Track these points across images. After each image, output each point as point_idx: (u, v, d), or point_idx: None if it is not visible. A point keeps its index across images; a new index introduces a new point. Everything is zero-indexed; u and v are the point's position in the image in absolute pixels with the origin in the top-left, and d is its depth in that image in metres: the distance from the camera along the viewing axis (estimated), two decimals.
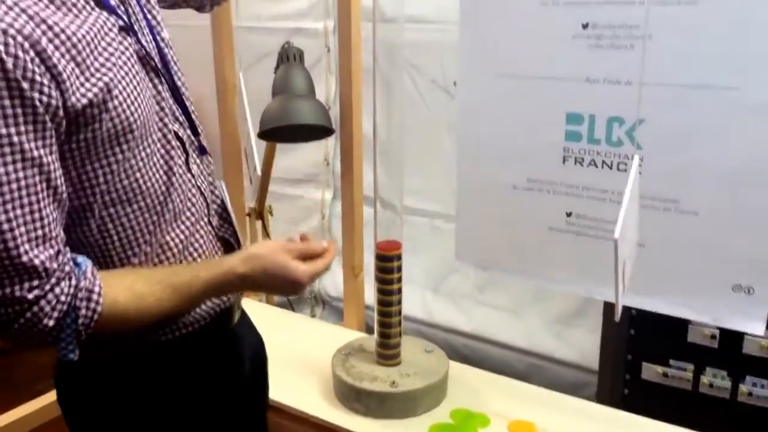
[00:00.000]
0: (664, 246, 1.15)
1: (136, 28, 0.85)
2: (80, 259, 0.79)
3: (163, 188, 0.87)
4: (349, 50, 1.52)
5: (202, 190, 0.97)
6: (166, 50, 0.92)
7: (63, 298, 0.74)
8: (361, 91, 1.57)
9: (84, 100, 0.73)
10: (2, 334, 0.74)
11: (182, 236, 0.92)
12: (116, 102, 0.77)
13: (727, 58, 1.02)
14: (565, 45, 1.14)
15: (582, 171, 1.19)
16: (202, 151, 0.98)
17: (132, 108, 0.79)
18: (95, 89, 0.74)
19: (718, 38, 1.02)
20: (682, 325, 1.51)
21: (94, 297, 0.76)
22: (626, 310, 1.49)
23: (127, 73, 0.79)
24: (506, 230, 1.31)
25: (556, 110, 1.19)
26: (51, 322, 0.74)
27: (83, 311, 0.76)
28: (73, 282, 0.75)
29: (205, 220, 0.97)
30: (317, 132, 1.54)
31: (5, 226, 0.69)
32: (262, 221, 1.81)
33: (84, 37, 0.74)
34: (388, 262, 1.34)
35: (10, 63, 0.66)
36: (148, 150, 0.84)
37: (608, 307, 1.62)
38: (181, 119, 0.92)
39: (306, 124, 1.47)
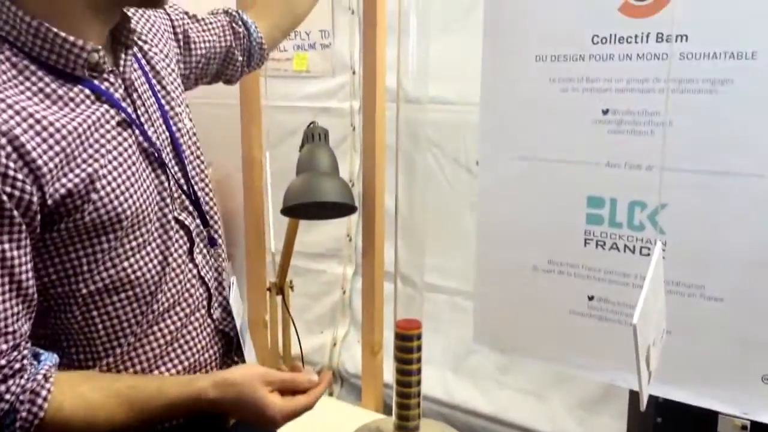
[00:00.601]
0: (689, 333, 1.12)
1: (143, 119, 0.85)
2: (44, 356, 0.76)
3: (156, 278, 0.85)
4: (373, 129, 1.56)
5: (206, 280, 0.94)
6: (180, 140, 0.92)
7: (7, 396, 0.72)
8: (384, 169, 1.59)
9: (63, 191, 0.73)
10: None
11: (172, 327, 0.89)
12: (102, 193, 0.77)
13: (748, 145, 1.02)
14: (585, 129, 1.16)
15: (604, 254, 1.18)
16: (211, 242, 0.96)
17: (120, 199, 0.79)
18: (77, 180, 0.74)
19: (738, 125, 1.03)
20: (711, 414, 1.45)
21: (39, 401, 0.73)
22: (653, 396, 1.44)
23: (120, 164, 0.79)
24: (526, 312, 1.29)
25: (576, 193, 1.19)
26: None
27: (23, 414, 0.73)
28: (22, 381, 0.73)
29: (203, 311, 0.94)
30: (340, 209, 1.55)
31: None
32: (283, 296, 1.81)
33: (75, 129, 0.75)
34: (407, 342, 1.32)
35: None
36: (141, 240, 0.83)
37: (634, 394, 1.56)
38: (190, 209, 0.92)
39: (329, 202, 1.49)
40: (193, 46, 1.07)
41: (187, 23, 1.07)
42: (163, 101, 0.92)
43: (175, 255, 0.88)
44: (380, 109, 1.55)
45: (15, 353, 0.73)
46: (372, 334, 1.64)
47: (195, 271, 0.92)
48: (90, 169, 0.76)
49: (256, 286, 1.89)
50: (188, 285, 0.91)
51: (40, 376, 0.74)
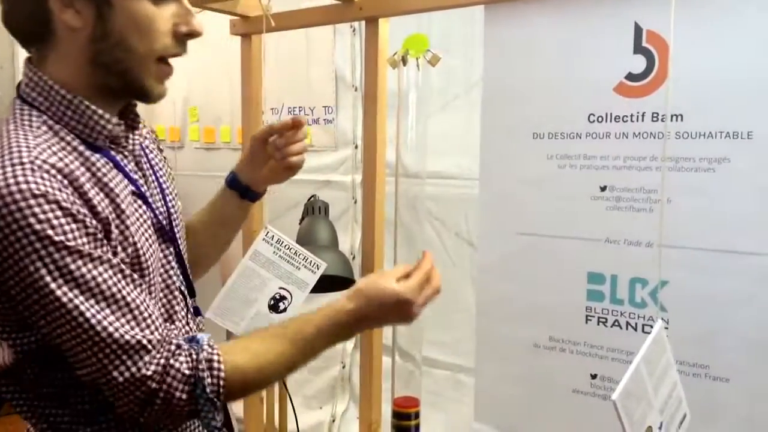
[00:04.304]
0: (696, 413, 1.08)
1: (148, 194, 0.89)
2: (199, 336, 0.81)
3: None
4: (372, 203, 1.56)
5: None
6: (175, 216, 0.96)
7: (187, 372, 0.77)
8: (383, 242, 1.58)
9: (116, 239, 0.77)
10: (146, 417, 0.77)
11: None
12: (139, 252, 0.80)
13: (747, 224, 1.02)
14: (583, 206, 1.16)
15: (606, 332, 1.16)
16: (196, 312, 0.99)
17: (145, 265, 0.82)
18: (122, 235, 0.78)
19: (737, 204, 1.03)
20: None
21: (215, 365, 0.78)
22: None
23: (144, 232, 0.83)
24: (527, 391, 1.26)
25: (576, 269, 1.18)
26: (184, 396, 0.77)
27: (208, 380, 0.78)
28: (193, 355, 0.78)
29: None
30: (339, 283, 1.54)
31: (93, 319, 0.73)
32: None
33: (110, 182, 0.80)
34: (405, 420, 1.29)
35: (61, 196, 0.72)
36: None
37: None
38: (181, 279, 0.94)
39: (327, 275, 1.48)
40: None
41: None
42: (161, 180, 0.95)
43: (179, 319, 0.90)
44: (380, 183, 1.56)
45: (163, 332, 0.78)
46: (369, 411, 1.60)
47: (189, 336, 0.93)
48: (132, 228, 0.80)
49: None
50: None
51: (205, 345, 0.80)
